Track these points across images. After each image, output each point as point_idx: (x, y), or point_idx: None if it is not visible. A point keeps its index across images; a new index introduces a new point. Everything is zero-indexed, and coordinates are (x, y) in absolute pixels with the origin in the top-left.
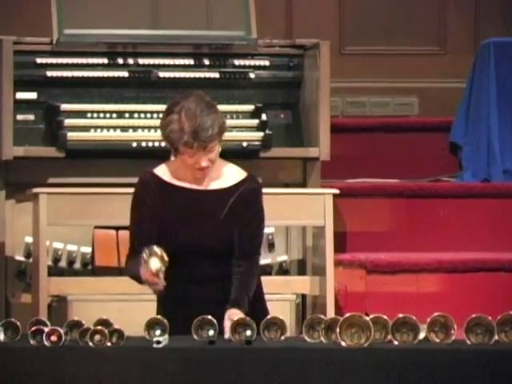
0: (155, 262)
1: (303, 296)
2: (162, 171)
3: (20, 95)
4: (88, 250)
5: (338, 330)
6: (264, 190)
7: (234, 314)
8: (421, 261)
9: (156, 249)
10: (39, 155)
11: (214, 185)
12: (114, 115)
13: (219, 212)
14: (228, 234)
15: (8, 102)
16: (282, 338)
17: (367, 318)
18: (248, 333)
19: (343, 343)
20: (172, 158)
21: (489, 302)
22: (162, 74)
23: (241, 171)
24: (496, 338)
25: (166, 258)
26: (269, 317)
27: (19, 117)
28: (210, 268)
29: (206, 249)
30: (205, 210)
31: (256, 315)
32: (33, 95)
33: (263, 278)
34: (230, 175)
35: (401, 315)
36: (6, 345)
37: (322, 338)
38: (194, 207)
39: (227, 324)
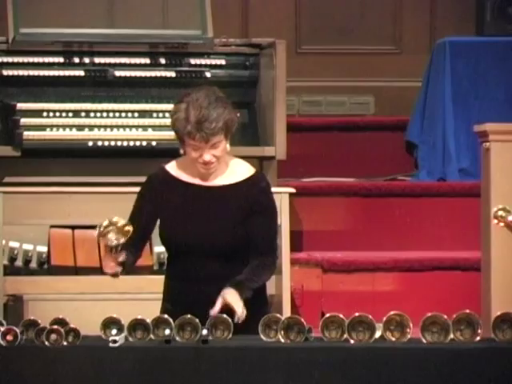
0: (112, 235)
1: None
2: (172, 166)
3: None
4: (44, 249)
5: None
6: None
7: (228, 294)
8: (377, 259)
9: (115, 219)
10: None
11: (220, 181)
12: (70, 114)
13: (222, 209)
14: (231, 233)
15: None
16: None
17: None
18: (204, 332)
19: None
20: (181, 151)
21: (444, 300)
22: (118, 73)
23: (249, 168)
24: (451, 336)
25: (127, 229)
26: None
27: None
28: (212, 267)
29: (206, 247)
30: (207, 206)
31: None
32: None
33: None
34: (236, 171)
35: (357, 314)
36: None
37: (280, 337)
38: (195, 203)
39: (219, 301)
